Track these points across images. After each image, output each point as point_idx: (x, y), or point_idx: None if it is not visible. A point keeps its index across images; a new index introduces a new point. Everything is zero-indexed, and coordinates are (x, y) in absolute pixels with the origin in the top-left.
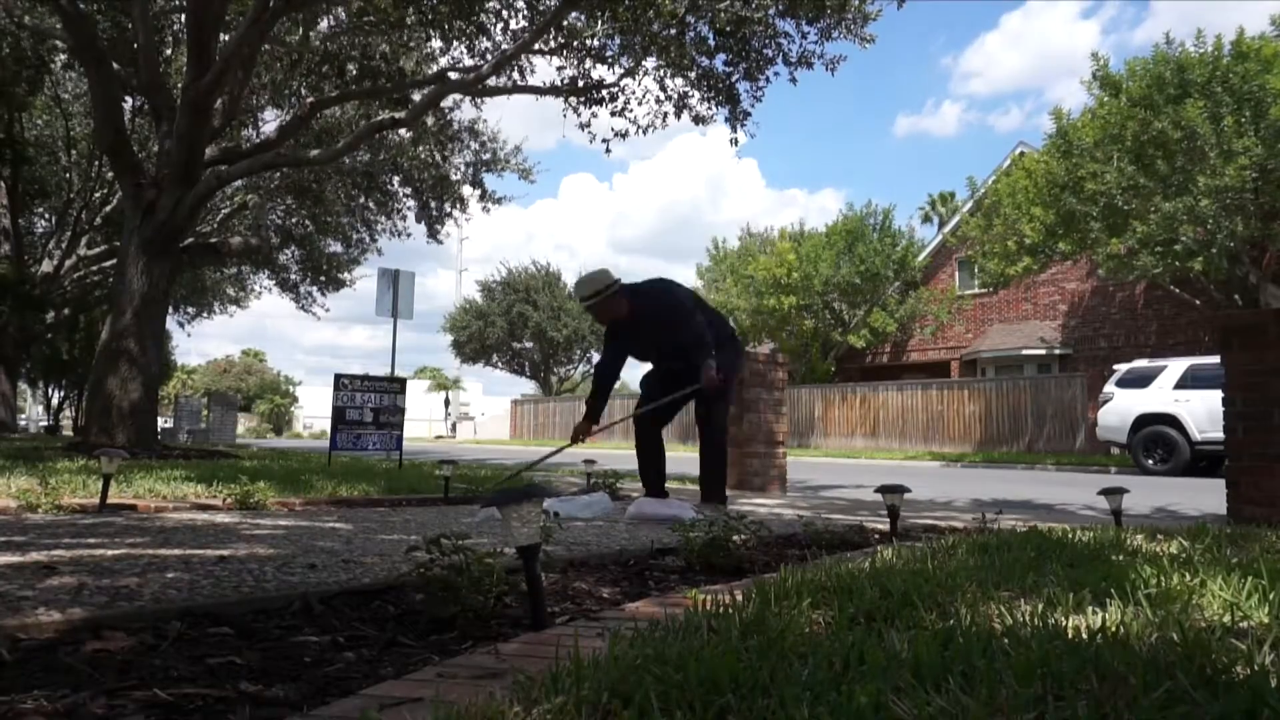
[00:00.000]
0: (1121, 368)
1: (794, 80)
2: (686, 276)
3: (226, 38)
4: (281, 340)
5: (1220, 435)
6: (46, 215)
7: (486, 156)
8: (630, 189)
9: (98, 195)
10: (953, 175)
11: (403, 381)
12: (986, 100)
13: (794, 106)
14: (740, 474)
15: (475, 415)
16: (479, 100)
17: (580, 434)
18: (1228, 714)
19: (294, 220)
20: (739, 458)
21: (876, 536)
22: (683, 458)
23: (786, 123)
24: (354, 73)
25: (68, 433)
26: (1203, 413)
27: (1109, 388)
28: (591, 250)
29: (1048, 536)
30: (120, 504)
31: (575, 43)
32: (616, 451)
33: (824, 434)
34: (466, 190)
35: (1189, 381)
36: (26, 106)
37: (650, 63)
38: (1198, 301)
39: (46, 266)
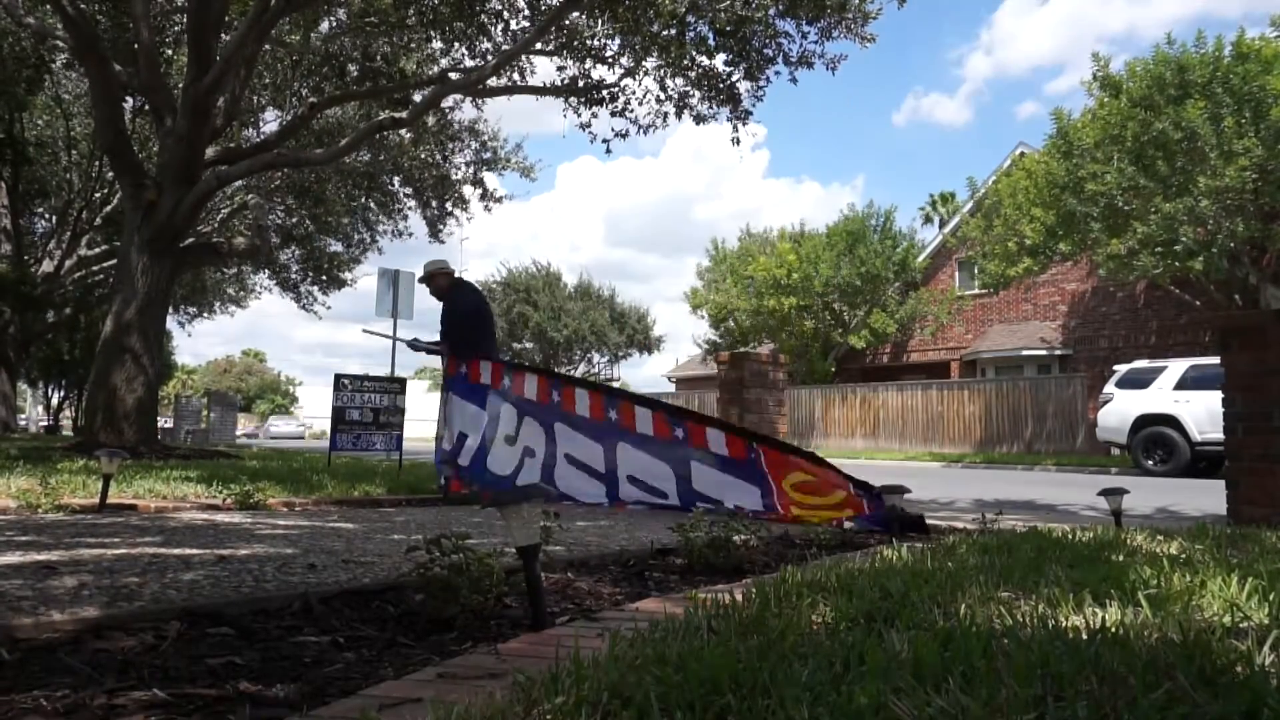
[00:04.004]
0: (1121, 368)
1: (794, 80)
2: (687, 276)
3: (227, 38)
4: (276, 338)
5: (1220, 436)
6: (46, 215)
7: (487, 156)
8: (632, 178)
9: (98, 195)
10: (970, 165)
11: (403, 382)
12: (1003, 88)
13: (803, 98)
14: None
15: None
16: (479, 100)
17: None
18: (1228, 714)
19: (294, 220)
20: None
21: (876, 537)
22: None
23: (794, 115)
24: (355, 73)
25: (67, 433)
26: (1203, 413)
27: (1109, 388)
28: (591, 246)
29: (1048, 537)
30: (121, 504)
31: (575, 43)
32: None
33: (824, 434)
34: (467, 190)
35: (1189, 382)
36: (26, 106)
37: (651, 63)
38: (1198, 302)
39: (47, 266)
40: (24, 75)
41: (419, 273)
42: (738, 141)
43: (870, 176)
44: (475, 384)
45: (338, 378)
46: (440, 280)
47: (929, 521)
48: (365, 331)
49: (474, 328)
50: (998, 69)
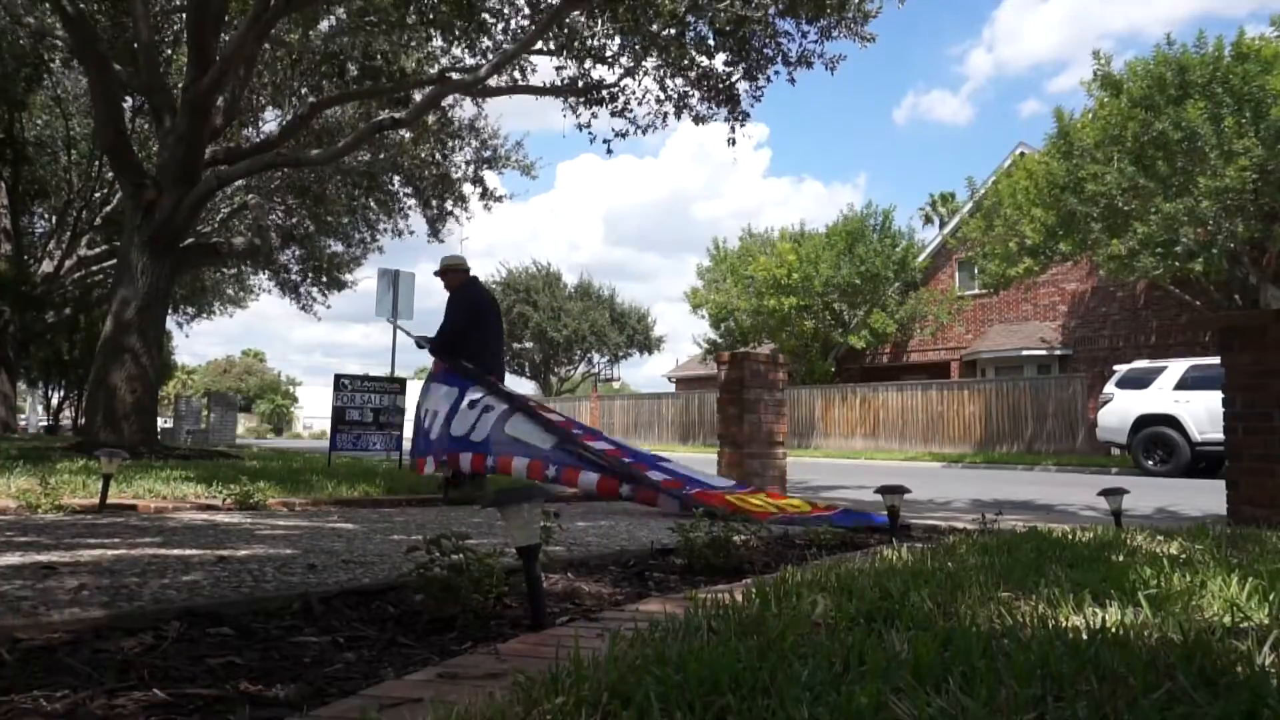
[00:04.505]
0: (1121, 368)
1: (792, 80)
2: (687, 276)
3: (227, 38)
4: (274, 338)
5: (1220, 436)
6: (46, 215)
7: (487, 154)
8: (632, 177)
9: (98, 195)
10: (974, 163)
11: (402, 382)
12: (1006, 86)
13: (804, 96)
14: (740, 474)
15: None
16: (479, 99)
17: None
18: (1228, 714)
19: (294, 220)
20: (740, 458)
21: (876, 537)
22: (682, 458)
23: (795, 113)
24: (354, 73)
25: (68, 433)
26: (1203, 413)
27: (1109, 388)
28: (591, 244)
29: (1048, 537)
30: (121, 504)
31: (575, 42)
32: None
33: (824, 434)
34: (467, 189)
35: (1189, 382)
36: (26, 106)
37: (650, 62)
38: (1198, 302)
39: (47, 266)
40: (23, 75)
41: (419, 273)
42: (733, 143)
43: (872, 175)
44: (452, 373)
45: (338, 378)
46: (451, 277)
47: (929, 522)
48: (396, 326)
49: (473, 323)
50: (1001, 67)
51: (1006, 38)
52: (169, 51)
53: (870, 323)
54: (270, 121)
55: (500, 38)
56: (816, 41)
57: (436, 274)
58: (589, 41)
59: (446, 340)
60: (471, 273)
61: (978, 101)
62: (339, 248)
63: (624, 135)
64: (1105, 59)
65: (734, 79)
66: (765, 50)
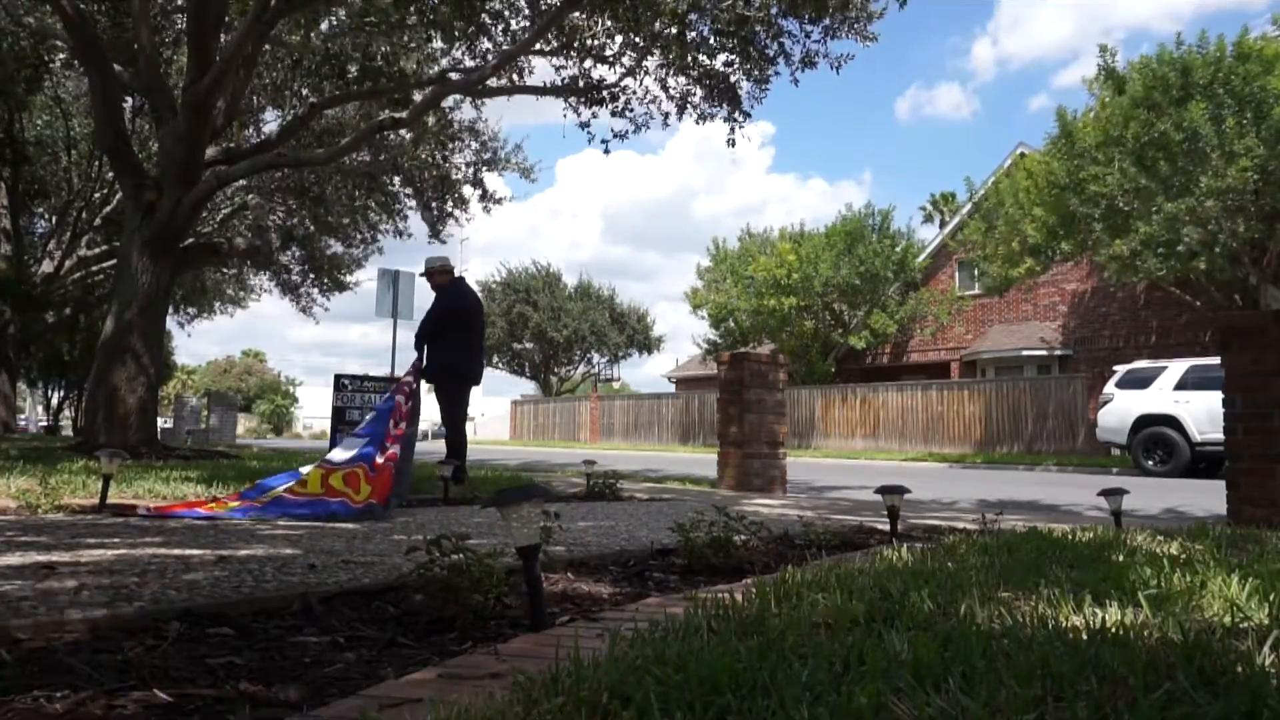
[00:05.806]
0: (1121, 369)
1: (795, 81)
2: (688, 274)
3: (227, 38)
4: (272, 337)
5: (1220, 436)
6: (46, 215)
7: (487, 156)
8: (634, 173)
9: (98, 195)
10: (980, 159)
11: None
12: (1013, 82)
13: (808, 93)
14: (741, 475)
15: (475, 415)
16: (479, 100)
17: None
18: (1228, 714)
19: (294, 221)
20: (740, 459)
21: (877, 538)
22: (682, 459)
23: (799, 110)
24: (355, 73)
25: (67, 433)
26: (1203, 414)
27: (1109, 389)
28: (591, 243)
29: (1048, 537)
30: (121, 504)
31: (575, 43)
32: (614, 452)
33: (824, 435)
34: (467, 190)
35: (1189, 383)
36: (26, 106)
37: (651, 62)
38: (1198, 302)
39: (47, 266)
40: (24, 75)
41: (419, 271)
42: (733, 143)
43: (878, 171)
44: (389, 399)
45: (337, 378)
46: (439, 278)
47: (930, 522)
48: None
49: (457, 320)
50: (1006, 62)
51: (1012, 31)
52: (169, 52)
53: (870, 323)
54: (270, 122)
55: (500, 39)
56: (820, 41)
57: (423, 274)
58: (589, 41)
59: (429, 329)
60: (457, 273)
61: (984, 96)
62: (339, 248)
63: (624, 136)
64: (1111, 51)
65: (736, 79)
66: (768, 50)
